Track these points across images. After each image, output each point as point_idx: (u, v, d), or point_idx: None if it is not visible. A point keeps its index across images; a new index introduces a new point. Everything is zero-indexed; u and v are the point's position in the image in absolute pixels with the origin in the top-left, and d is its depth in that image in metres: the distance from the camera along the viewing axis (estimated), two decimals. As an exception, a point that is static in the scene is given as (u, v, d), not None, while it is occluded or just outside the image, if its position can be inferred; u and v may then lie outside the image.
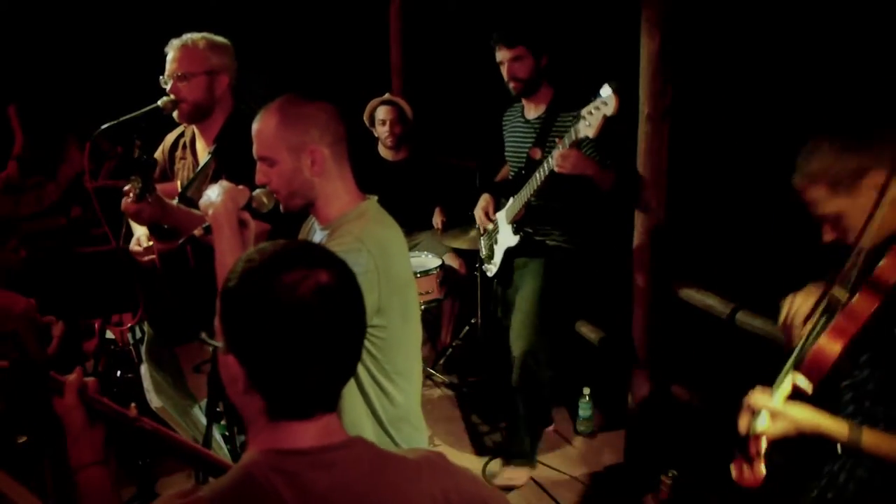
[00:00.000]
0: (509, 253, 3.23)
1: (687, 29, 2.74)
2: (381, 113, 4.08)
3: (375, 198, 1.91)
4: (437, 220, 4.19)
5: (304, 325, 1.04)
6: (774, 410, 1.58)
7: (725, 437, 1.76)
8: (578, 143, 2.71)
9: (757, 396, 1.61)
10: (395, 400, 1.83)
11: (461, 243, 3.89)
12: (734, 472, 1.63)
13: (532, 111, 3.14)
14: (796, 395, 1.61)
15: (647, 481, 2.89)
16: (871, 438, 1.53)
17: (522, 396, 3.11)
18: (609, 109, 2.49)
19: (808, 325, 1.66)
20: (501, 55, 3.03)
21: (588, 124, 2.55)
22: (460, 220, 4.07)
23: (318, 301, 1.05)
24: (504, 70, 3.05)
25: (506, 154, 3.32)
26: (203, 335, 1.20)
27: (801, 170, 1.62)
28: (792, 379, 1.60)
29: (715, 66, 3.21)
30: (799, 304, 1.73)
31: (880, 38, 2.60)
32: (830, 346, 1.55)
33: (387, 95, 4.19)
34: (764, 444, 1.59)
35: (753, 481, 1.60)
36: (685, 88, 2.83)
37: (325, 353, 1.07)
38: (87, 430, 1.44)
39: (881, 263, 1.54)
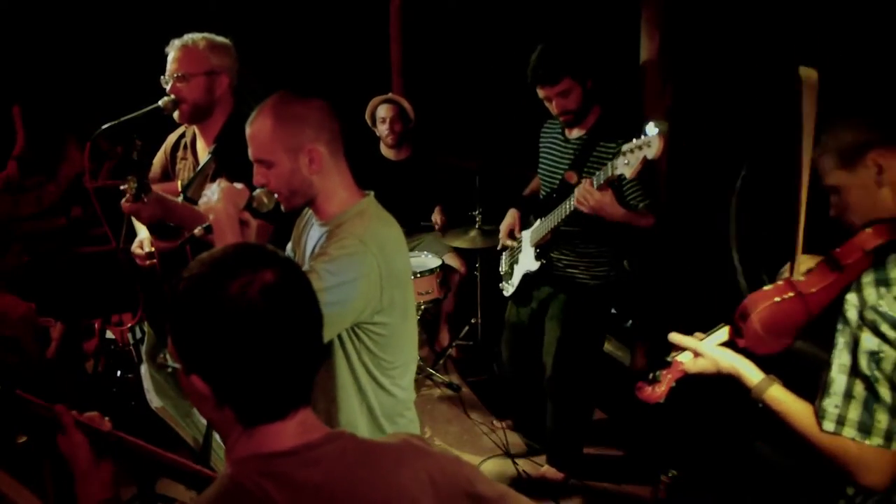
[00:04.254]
0: (527, 277, 3.06)
1: (687, 28, 2.74)
2: (382, 111, 4.09)
3: (372, 193, 1.90)
4: (436, 217, 4.18)
5: (260, 329, 1.03)
6: (698, 349, 1.67)
7: (724, 439, 1.76)
8: (613, 181, 2.50)
9: (686, 337, 1.70)
10: (391, 393, 1.85)
11: (461, 243, 3.89)
12: (639, 387, 1.70)
13: (574, 130, 2.89)
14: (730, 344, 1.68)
15: (647, 480, 2.89)
16: (775, 393, 1.56)
17: (555, 409, 3.09)
18: (651, 152, 2.31)
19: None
20: (545, 93, 2.77)
21: (626, 162, 2.38)
22: (461, 220, 4.07)
23: (268, 302, 1.04)
24: (552, 106, 2.80)
25: (539, 169, 3.09)
26: (161, 358, 1.17)
27: (821, 138, 1.62)
28: (727, 330, 1.68)
29: (715, 66, 3.20)
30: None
31: (880, 34, 2.60)
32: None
33: (389, 94, 4.20)
34: (677, 375, 1.68)
35: (651, 398, 1.68)
36: (685, 88, 2.83)
37: (287, 352, 1.06)
38: (95, 467, 1.39)
39: (843, 245, 1.55)
